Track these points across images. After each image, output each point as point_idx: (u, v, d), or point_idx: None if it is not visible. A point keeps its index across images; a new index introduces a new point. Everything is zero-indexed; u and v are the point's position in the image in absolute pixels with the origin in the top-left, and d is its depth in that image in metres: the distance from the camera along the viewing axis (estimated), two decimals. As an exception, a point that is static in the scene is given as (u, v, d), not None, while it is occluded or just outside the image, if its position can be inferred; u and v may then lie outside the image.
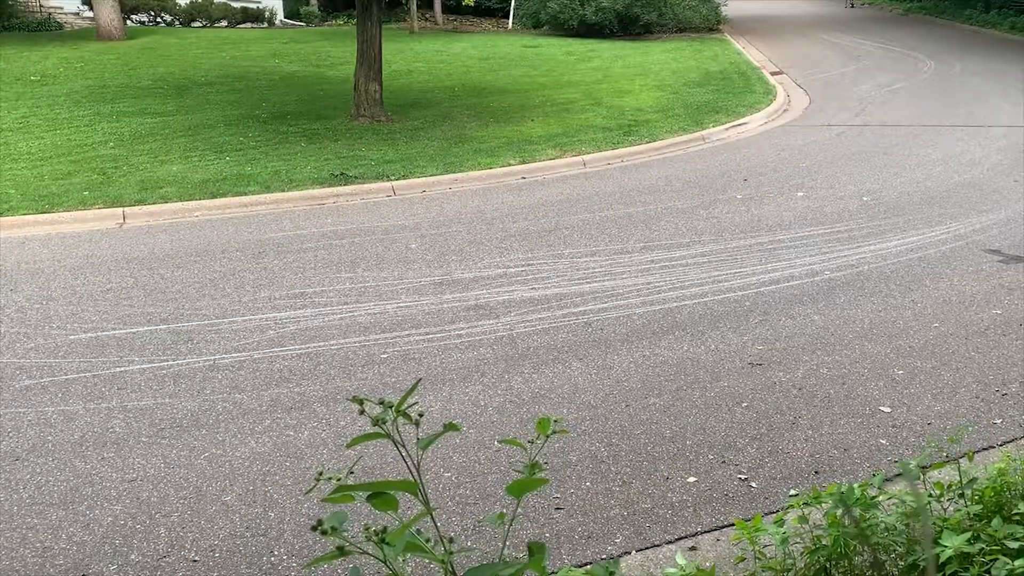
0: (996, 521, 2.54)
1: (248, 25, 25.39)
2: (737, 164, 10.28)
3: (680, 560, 2.67)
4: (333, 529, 1.43)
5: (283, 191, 9.10)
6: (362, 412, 1.51)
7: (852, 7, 34.72)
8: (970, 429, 4.15)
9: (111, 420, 4.52)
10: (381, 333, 5.54)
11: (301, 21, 26.82)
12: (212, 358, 5.23)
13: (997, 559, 2.37)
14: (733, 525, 3.21)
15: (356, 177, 9.58)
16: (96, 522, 3.70)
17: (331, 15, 27.83)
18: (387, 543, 1.44)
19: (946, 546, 2.39)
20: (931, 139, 11.36)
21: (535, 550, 1.48)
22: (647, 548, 3.49)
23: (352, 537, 1.48)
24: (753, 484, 3.88)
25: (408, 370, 5.05)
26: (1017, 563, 2.31)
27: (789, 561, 2.78)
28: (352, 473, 1.57)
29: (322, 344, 5.40)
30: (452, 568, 1.50)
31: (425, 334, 5.55)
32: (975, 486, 2.82)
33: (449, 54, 19.37)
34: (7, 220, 8.19)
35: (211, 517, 3.72)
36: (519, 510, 1.80)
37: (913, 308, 5.82)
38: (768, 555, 2.83)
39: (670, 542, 3.51)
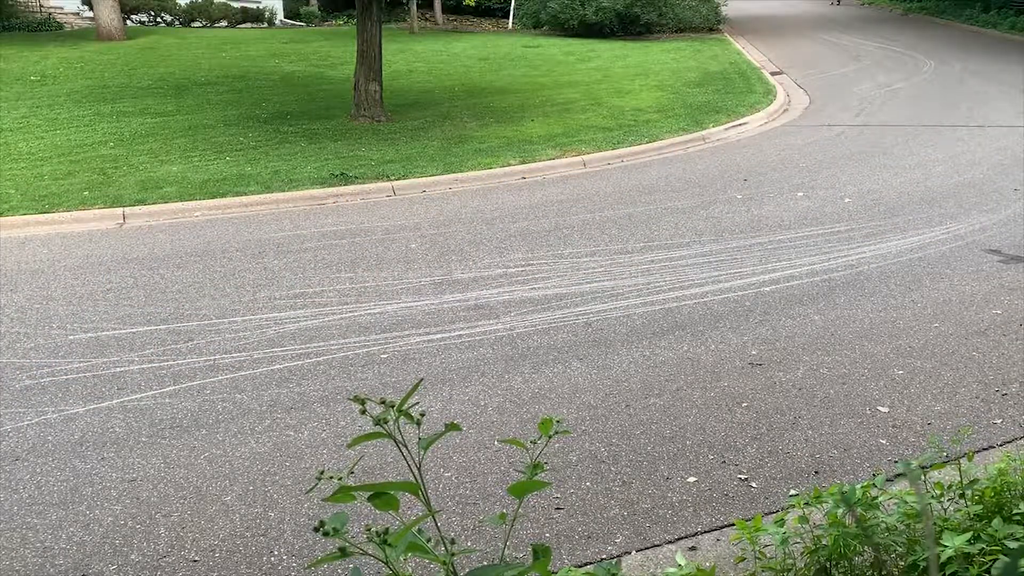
0: (996, 521, 2.54)
1: (248, 25, 25.39)
2: (737, 164, 10.28)
3: (680, 560, 2.67)
4: (335, 531, 1.43)
5: (283, 191, 9.10)
6: (363, 412, 1.51)
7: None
8: (970, 429, 4.15)
9: (111, 420, 4.52)
10: (381, 333, 5.54)
11: (301, 21, 26.82)
12: (212, 358, 5.23)
13: (997, 559, 2.37)
14: (733, 525, 3.21)
15: (356, 177, 9.58)
16: (96, 522, 3.69)
17: (331, 15, 27.82)
18: (389, 544, 1.44)
19: (947, 546, 2.39)
20: (931, 139, 11.36)
21: (540, 553, 1.48)
22: (647, 548, 3.49)
23: (353, 537, 1.48)
24: (753, 484, 3.88)
25: (408, 370, 5.05)
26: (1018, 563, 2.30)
27: (789, 561, 2.78)
28: (352, 473, 1.57)
29: (322, 344, 5.40)
30: (453, 569, 1.49)
31: (425, 334, 5.55)
32: (975, 486, 2.82)
33: (449, 54, 19.36)
34: (7, 220, 8.19)
35: (211, 517, 3.72)
36: (519, 510, 1.80)
37: (913, 308, 5.82)
38: (768, 555, 2.83)
39: (670, 542, 3.51)
